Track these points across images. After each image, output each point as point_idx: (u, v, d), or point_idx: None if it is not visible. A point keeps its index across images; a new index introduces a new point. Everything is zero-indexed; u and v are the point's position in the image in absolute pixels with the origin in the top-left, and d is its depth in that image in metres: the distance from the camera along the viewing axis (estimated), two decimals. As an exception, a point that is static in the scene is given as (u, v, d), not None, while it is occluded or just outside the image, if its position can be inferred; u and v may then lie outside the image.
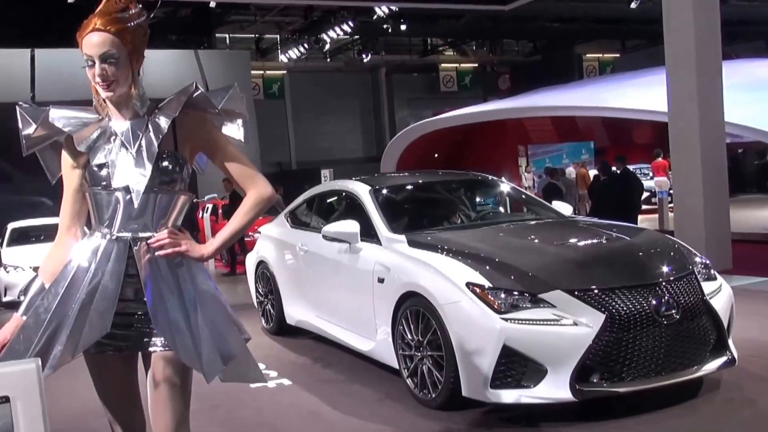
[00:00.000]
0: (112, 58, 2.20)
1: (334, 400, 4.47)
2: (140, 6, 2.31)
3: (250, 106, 20.95)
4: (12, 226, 11.43)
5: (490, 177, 6.14)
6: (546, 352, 3.66)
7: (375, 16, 20.78)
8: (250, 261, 6.79)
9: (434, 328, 4.05)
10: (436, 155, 19.08)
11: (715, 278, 4.30)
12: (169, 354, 2.21)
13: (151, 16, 2.38)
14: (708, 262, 4.40)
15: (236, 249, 11.49)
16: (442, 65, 28.10)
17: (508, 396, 3.71)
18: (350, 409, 4.29)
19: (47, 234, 11.22)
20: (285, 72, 25.67)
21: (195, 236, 9.41)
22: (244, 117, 2.44)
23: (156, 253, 2.25)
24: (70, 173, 2.34)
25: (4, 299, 9.94)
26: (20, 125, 2.29)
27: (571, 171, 16.52)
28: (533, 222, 5.16)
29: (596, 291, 3.78)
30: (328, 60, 25.43)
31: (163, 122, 2.29)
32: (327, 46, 23.05)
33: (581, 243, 4.48)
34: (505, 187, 6.00)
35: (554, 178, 13.38)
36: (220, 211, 13.43)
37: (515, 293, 3.82)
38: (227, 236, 2.37)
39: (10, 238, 11.09)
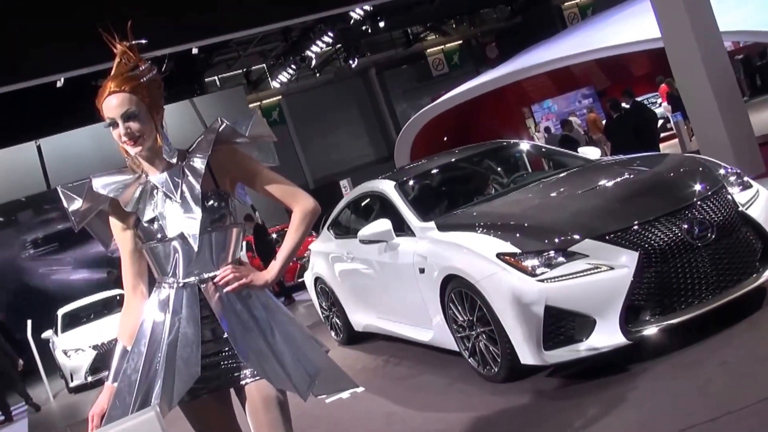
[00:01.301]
0: (133, 115, 2.26)
1: (406, 397, 4.55)
2: (149, 62, 2.38)
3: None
4: (61, 312, 11.62)
5: (505, 141, 6.10)
6: (589, 302, 3.64)
7: (352, 21, 20.83)
8: (308, 279, 6.93)
9: (479, 304, 4.08)
10: (445, 138, 19.02)
11: (750, 186, 4.20)
12: (261, 382, 2.26)
13: (162, 69, 2.44)
14: (738, 170, 4.33)
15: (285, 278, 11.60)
16: (428, 51, 27.99)
17: (564, 354, 3.71)
18: (422, 403, 4.36)
19: (96, 311, 11.45)
20: (280, 97, 25.78)
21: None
22: (273, 139, 2.50)
23: (224, 290, 2.30)
24: (122, 236, 2.40)
25: (72, 384, 10.10)
26: (65, 204, 2.36)
27: (575, 120, 16.36)
28: (558, 176, 5.11)
29: (625, 230, 3.73)
30: (318, 75, 25.49)
31: (198, 164, 2.34)
32: (314, 62, 23.12)
33: (606, 185, 4.42)
34: (524, 146, 5.97)
35: (566, 129, 13.27)
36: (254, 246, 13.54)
37: (546, 253, 3.79)
38: (285, 256, 2.42)
39: (62, 324, 11.26)
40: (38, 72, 6.46)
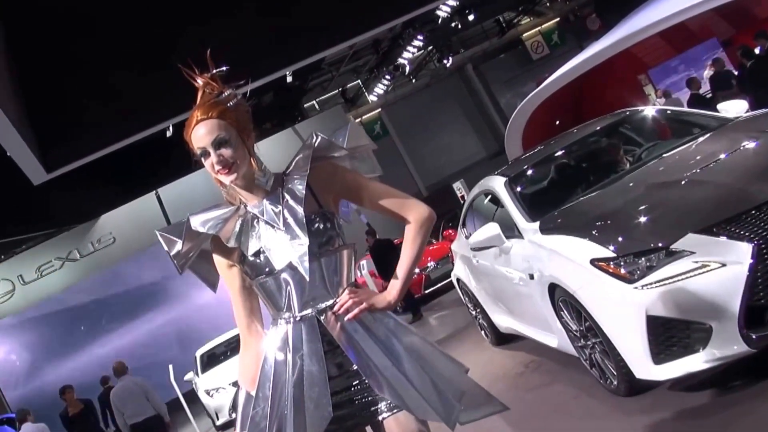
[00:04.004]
0: (224, 141, 2.19)
1: (534, 409, 4.36)
2: (234, 88, 2.31)
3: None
4: (199, 353, 12.07)
5: (627, 111, 5.61)
6: (700, 307, 3.18)
7: (440, 20, 20.61)
8: (454, 279, 6.87)
9: (584, 315, 3.78)
10: (557, 122, 18.39)
11: None
12: (401, 414, 2.12)
13: (247, 95, 2.35)
14: None
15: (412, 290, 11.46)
16: (524, 35, 27.30)
17: (679, 368, 3.30)
18: (548, 416, 4.17)
19: (232, 348, 11.79)
20: (379, 110, 25.95)
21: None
22: (373, 147, 2.35)
23: (345, 318, 2.19)
24: (228, 273, 2.32)
25: (218, 423, 10.42)
26: (166, 247, 2.28)
27: (669, 92, 15.36)
28: (677, 149, 4.57)
29: (737, 218, 3.25)
30: (414, 81, 25.43)
31: (298, 186, 2.24)
32: (407, 68, 23.07)
33: (722, 160, 3.86)
34: (649, 111, 5.49)
35: (693, 87, 12.43)
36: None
37: (645, 254, 3.38)
38: (405, 273, 2.29)
39: (201, 364, 11.68)
40: (150, 123, 6.66)
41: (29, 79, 5.56)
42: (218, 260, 2.33)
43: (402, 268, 2.30)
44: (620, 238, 3.57)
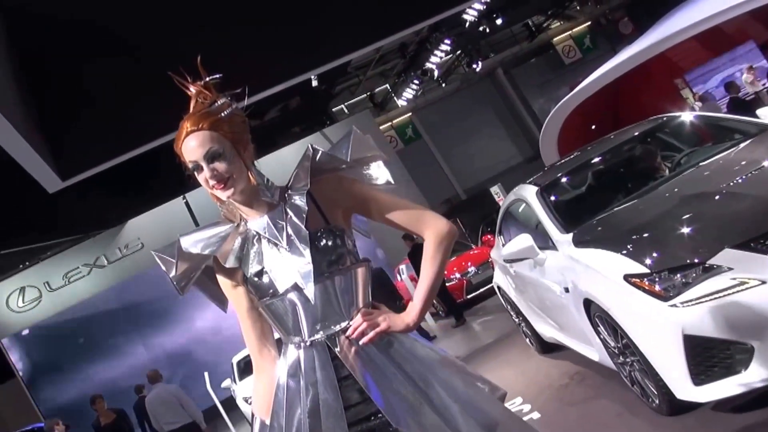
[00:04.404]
0: (217, 154, 2.03)
1: (577, 425, 4.28)
2: (229, 97, 2.14)
3: (394, 158, 21.23)
4: (236, 359, 12.02)
5: (664, 116, 5.43)
6: (740, 325, 3.03)
7: (467, 24, 20.38)
8: (495, 286, 6.78)
9: (619, 332, 3.66)
10: (593, 127, 18.07)
11: None
12: None
13: (244, 105, 2.17)
14: None
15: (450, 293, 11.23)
16: (555, 39, 27.05)
17: (721, 389, 3.16)
18: None
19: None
20: (410, 114, 25.89)
21: (400, 306, 9.32)
22: (382, 158, 2.14)
23: (360, 343, 2.03)
24: (233, 294, 2.17)
25: (255, 431, 10.36)
26: (164, 268, 2.14)
27: (706, 97, 14.95)
28: (716, 156, 4.42)
29: None
30: (444, 85, 25.24)
31: (299, 201, 2.09)
32: (436, 73, 22.89)
33: (761, 171, 3.68)
34: (686, 117, 5.29)
35: (733, 91, 12.05)
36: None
37: (680, 269, 3.25)
38: (425, 293, 2.11)
39: (238, 371, 11.59)
40: (168, 129, 6.51)
41: (39, 84, 5.44)
42: (222, 280, 2.18)
43: (421, 289, 2.12)
44: (655, 253, 3.45)
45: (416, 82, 23.07)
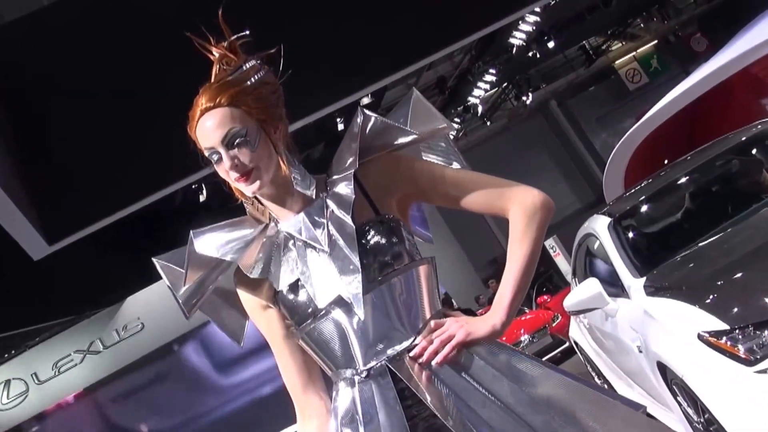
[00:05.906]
0: (239, 136, 1.83)
1: None
2: (259, 60, 1.93)
3: (432, 211, 21.13)
4: None
5: (759, 124, 5.20)
6: None
7: (514, 50, 20.46)
8: (572, 342, 6.63)
9: (700, 404, 3.43)
10: (666, 162, 17.83)
11: None
12: None
13: (280, 69, 1.94)
14: None
15: None
16: (617, 63, 26.99)
17: None
18: None
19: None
20: (449, 159, 25.87)
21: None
22: (450, 129, 1.99)
23: (433, 363, 1.79)
24: (263, 318, 1.96)
25: None
26: (166, 280, 1.95)
27: None
28: None
29: None
30: (489, 123, 25.25)
31: (344, 189, 1.89)
32: (480, 109, 22.93)
33: None
34: None
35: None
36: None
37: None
38: (514, 284, 1.88)
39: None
40: (167, 181, 6.56)
41: (23, 139, 5.55)
42: (246, 300, 1.97)
43: (509, 279, 1.88)
44: (736, 304, 3.27)
45: (457, 120, 23.10)
